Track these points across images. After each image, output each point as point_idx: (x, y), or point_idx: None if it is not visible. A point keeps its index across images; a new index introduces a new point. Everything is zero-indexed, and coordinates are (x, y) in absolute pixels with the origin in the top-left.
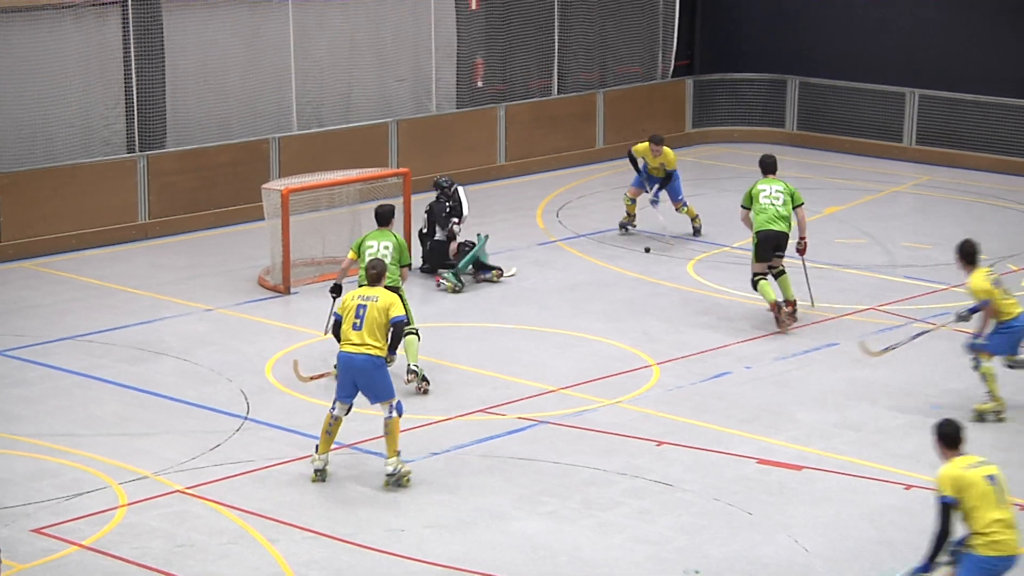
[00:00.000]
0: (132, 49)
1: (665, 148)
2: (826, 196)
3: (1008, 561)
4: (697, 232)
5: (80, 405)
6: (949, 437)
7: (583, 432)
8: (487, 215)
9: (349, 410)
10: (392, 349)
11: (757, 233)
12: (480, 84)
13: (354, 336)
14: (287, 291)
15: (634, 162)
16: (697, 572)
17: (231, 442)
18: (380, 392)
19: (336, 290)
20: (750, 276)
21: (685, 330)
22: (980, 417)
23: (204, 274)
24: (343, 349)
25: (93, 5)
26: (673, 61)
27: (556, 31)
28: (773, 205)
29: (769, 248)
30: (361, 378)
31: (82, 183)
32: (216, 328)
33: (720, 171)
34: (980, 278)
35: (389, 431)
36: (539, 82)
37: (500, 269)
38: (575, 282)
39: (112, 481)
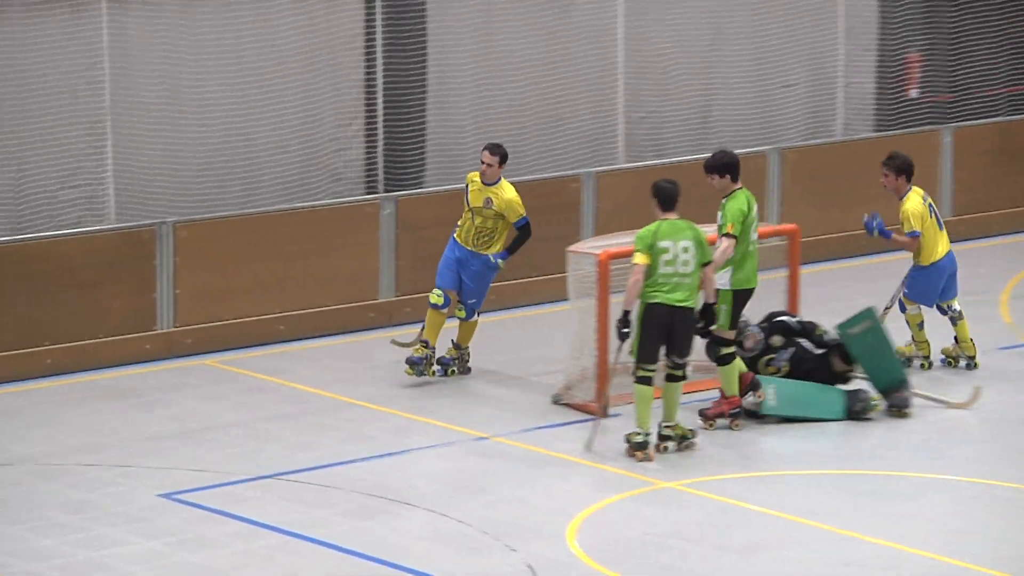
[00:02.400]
0: (379, 39)
1: (504, 182)
2: None
3: None
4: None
5: None
6: None
7: None
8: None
9: None
10: None
11: (742, 290)
12: (914, 94)
13: None
14: (603, 412)
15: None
16: None
17: None
18: None
19: (626, 324)
20: (713, 344)
21: None
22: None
23: (475, 382)
24: None
25: None
26: None
27: None
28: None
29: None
30: None
31: (298, 238)
32: (491, 467)
33: None
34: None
35: None
36: (1010, 89)
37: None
38: None
39: None
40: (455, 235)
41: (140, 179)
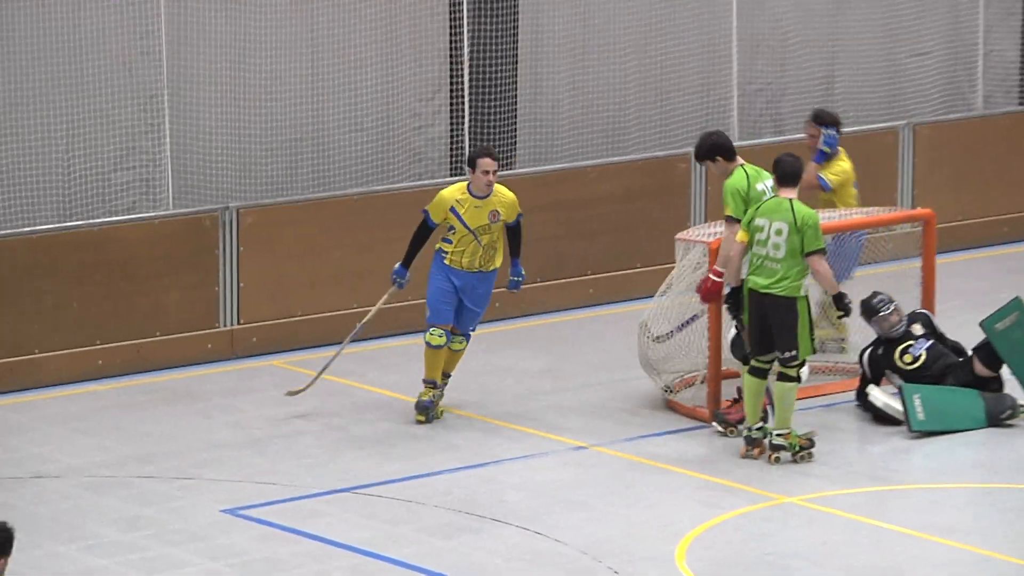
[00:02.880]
0: (465, 4)
1: (498, 187)
2: None
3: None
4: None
5: None
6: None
7: None
8: None
9: None
10: None
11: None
12: None
13: None
14: (715, 419)
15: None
16: None
17: None
18: None
19: (735, 302)
20: (740, 341)
21: None
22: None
23: (572, 385)
24: None
25: None
26: None
27: None
28: None
29: None
30: None
31: (375, 225)
32: (590, 479)
33: None
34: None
35: None
36: None
37: None
38: None
39: None
40: (446, 261)
41: (200, 160)
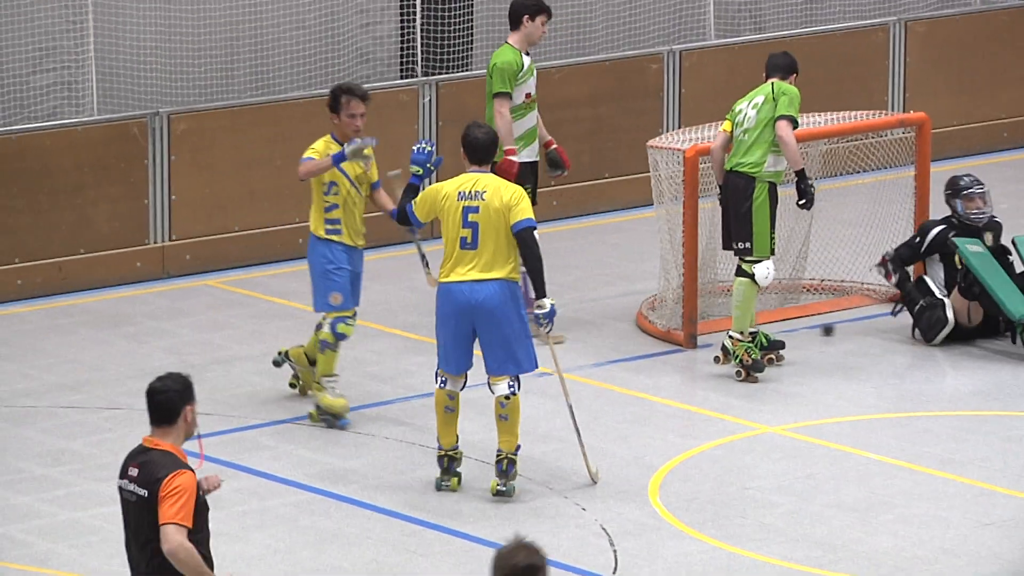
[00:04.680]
0: None
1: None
2: None
3: None
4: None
5: (309, 544)
6: None
7: None
8: None
9: None
10: None
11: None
12: None
13: None
14: (690, 342)
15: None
16: None
17: None
18: None
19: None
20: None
21: None
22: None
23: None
24: None
25: None
26: None
27: None
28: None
29: None
30: None
31: (318, 132)
32: (556, 409)
33: None
34: None
35: None
36: None
37: None
38: None
39: None
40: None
41: (127, 61)
